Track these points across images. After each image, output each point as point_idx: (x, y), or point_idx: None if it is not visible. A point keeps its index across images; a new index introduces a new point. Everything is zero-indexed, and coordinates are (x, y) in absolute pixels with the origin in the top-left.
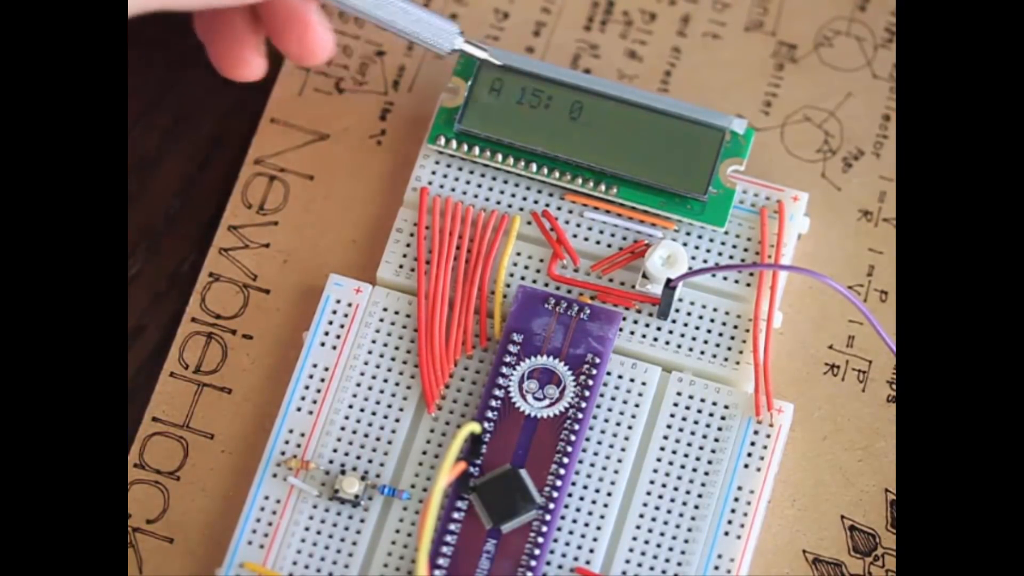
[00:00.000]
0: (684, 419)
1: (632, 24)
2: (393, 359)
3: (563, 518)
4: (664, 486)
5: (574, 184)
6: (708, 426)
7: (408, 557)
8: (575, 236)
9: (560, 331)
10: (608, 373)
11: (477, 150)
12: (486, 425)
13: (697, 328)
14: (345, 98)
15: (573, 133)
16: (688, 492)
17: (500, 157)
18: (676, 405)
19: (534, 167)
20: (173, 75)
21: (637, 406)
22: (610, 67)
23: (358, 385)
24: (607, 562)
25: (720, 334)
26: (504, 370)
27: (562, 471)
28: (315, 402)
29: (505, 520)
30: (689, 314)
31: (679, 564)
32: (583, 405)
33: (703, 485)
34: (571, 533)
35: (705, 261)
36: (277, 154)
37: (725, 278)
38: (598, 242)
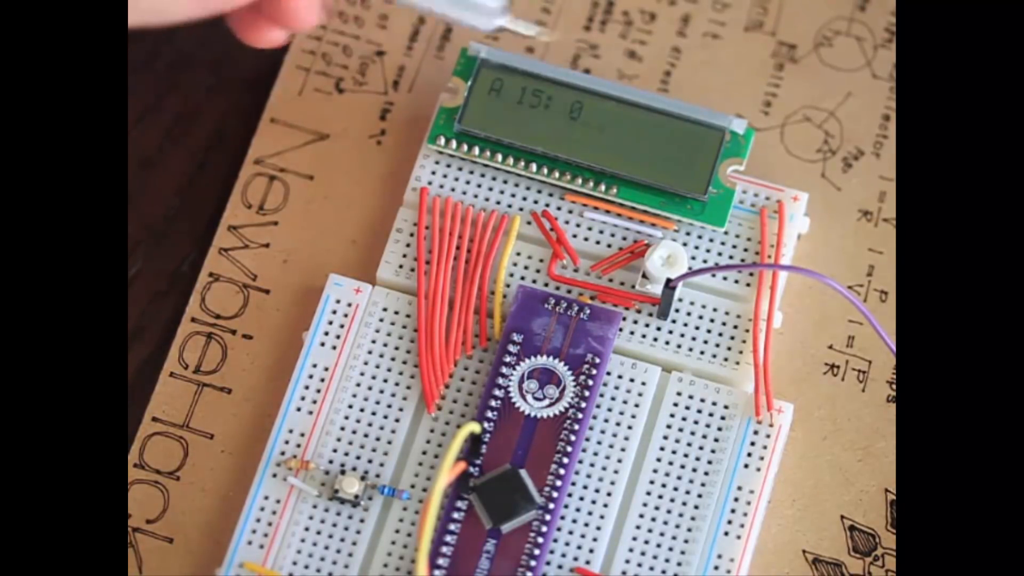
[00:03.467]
0: (684, 419)
1: (632, 24)
2: (393, 359)
3: (563, 518)
4: (664, 486)
5: (574, 184)
6: (708, 426)
7: (408, 557)
8: (575, 236)
9: (560, 331)
10: (608, 373)
11: (477, 150)
12: (486, 425)
13: (697, 328)
14: (345, 98)
15: (573, 133)
16: (688, 492)
17: (500, 157)
18: (676, 405)
19: (534, 167)
20: (173, 75)
21: (637, 406)
22: (610, 67)
23: (358, 385)
24: (607, 562)
25: (720, 334)
26: (504, 370)
27: (562, 471)
28: (315, 402)
29: (505, 520)
30: (689, 314)
31: (679, 564)
32: (583, 405)
33: (703, 485)
34: (571, 533)
35: (705, 261)
36: (277, 154)
37: (725, 278)
38: (598, 242)
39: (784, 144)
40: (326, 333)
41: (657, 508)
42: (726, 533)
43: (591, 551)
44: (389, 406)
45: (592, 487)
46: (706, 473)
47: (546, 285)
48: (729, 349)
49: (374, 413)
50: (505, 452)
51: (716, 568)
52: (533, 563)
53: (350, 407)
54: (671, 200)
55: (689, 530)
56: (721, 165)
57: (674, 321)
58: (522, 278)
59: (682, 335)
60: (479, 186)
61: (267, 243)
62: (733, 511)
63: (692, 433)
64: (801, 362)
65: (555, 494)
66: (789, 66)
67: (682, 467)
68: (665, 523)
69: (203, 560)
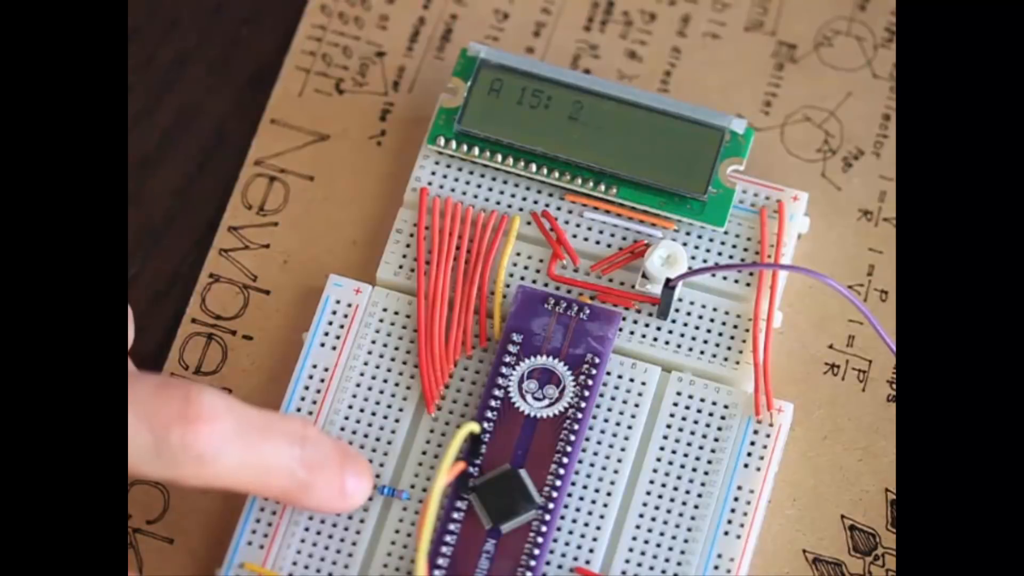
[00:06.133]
0: (684, 419)
1: (632, 24)
2: (393, 359)
3: (563, 518)
4: (664, 486)
5: (574, 184)
6: (708, 426)
7: (408, 557)
8: (575, 236)
9: (560, 331)
10: (608, 373)
11: (477, 150)
12: (486, 425)
13: (697, 328)
14: (345, 98)
15: (573, 133)
16: (688, 492)
17: (500, 157)
18: (676, 405)
19: (534, 167)
20: (173, 75)
21: (637, 406)
22: (610, 67)
23: (358, 385)
24: (607, 562)
25: (720, 334)
26: (504, 370)
27: (562, 471)
28: (315, 402)
29: (505, 520)
30: (689, 314)
31: (679, 564)
32: (583, 405)
33: (703, 485)
34: (571, 533)
35: (705, 261)
36: (277, 155)
37: (725, 278)
38: (598, 242)
39: (784, 144)
40: (326, 334)
41: (657, 508)
42: (726, 533)
43: (591, 551)
44: (389, 406)
45: (592, 487)
46: (706, 473)
47: (546, 285)
48: (729, 349)
49: (374, 413)
50: (505, 452)
51: (716, 568)
52: (533, 563)
53: (350, 407)
54: (671, 200)
55: (689, 530)
56: (721, 165)
57: (674, 321)
58: (522, 278)
59: (682, 335)
60: (479, 186)
61: (267, 244)
62: (733, 511)
63: (692, 433)
64: (801, 362)
65: (555, 494)
66: (789, 66)
67: (682, 467)
68: (665, 523)
69: (203, 560)
